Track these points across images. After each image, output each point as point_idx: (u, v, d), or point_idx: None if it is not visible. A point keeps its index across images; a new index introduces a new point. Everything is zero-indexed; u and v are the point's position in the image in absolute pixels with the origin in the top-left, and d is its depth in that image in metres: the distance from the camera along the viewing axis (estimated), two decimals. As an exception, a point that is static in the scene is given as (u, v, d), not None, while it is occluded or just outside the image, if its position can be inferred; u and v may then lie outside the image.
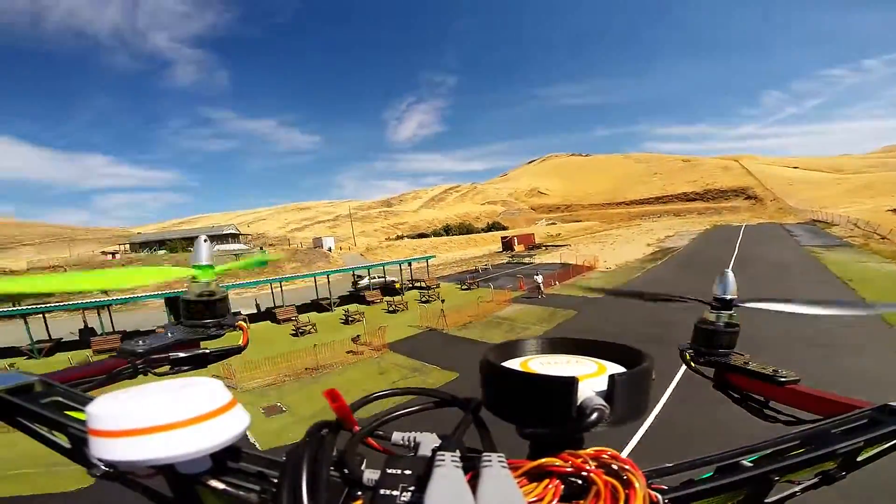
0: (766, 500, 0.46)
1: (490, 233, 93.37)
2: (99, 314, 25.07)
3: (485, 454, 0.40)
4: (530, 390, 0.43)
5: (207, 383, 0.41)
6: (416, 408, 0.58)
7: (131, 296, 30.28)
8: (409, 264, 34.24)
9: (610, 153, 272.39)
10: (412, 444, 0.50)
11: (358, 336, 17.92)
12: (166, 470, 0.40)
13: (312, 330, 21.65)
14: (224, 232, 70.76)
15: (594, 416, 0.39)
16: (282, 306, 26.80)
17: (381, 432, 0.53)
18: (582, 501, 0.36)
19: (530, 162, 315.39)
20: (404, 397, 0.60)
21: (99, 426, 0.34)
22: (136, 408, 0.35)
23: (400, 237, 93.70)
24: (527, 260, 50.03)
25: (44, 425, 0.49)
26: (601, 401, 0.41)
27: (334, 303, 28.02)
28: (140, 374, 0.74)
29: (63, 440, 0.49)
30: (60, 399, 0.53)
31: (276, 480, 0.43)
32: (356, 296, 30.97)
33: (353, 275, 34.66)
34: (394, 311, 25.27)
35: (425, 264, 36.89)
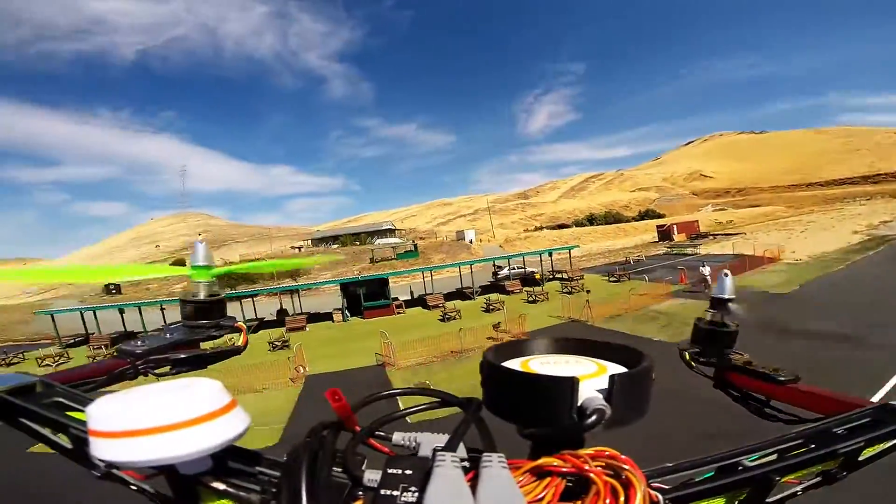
0: (767, 500, 0.45)
1: (643, 221, 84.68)
2: (291, 297, 30.81)
3: (485, 454, 0.40)
4: (530, 390, 0.43)
5: (208, 384, 0.40)
6: (417, 408, 0.58)
7: (314, 281, 36.12)
8: (550, 255, 33.08)
9: (790, 129, 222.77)
10: (413, 444, 0.50)
11: (499, 323, 18.30)
12: (167, 470, 0.40)
13: (457, 316, 22.86)
14: (383, 227, 80.00)
15: (594, 416, 0.39)
16: (431, 294, 28.98)
17: (381, 432, 0.53)
18: (582, 501, 0.36)
19: (688, 143, 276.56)
20: (404, 397, 0.60)
21: (99, 427, 0.35)
22: (136, 408, 0.35)
23: (538, 228, 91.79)
24: (689, 250, 44.07)
25: (45, 426, 0.49)
26: (602, 401, 0.41)
27: (476, 292, 29.12)
28: (140, 374, 0.75)
29: (64, 441, 0.49)
30: (61, 400, 0.53)
31: (276, 481, 0.44)
32: (497, 285, 31.55)
33: (494, 265, 35.31)
34: (533, 301, 25.02)
35: (567, 255, 35.39)
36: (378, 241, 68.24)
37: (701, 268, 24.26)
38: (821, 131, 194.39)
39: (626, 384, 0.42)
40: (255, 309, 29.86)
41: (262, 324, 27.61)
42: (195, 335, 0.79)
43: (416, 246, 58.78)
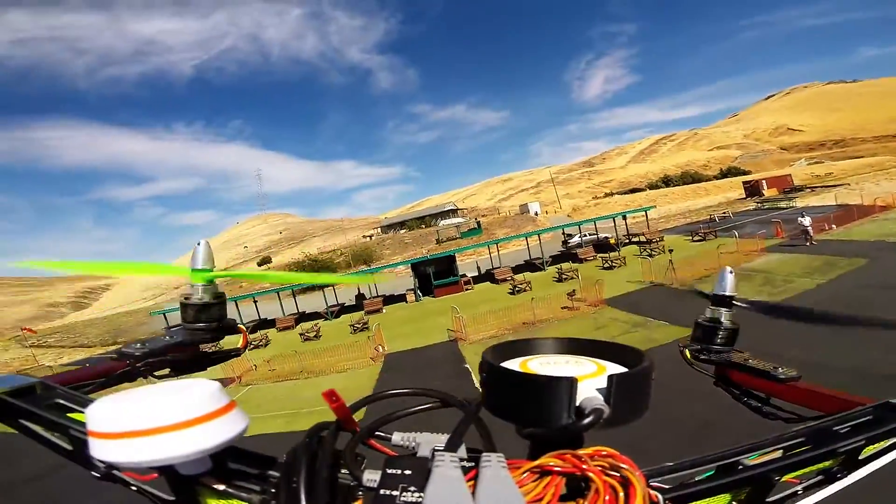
0: (767, 500, 0.45)
1: (725, 180, 76.62)
2: (368, 284, 32.17)
3: (485, 454, 0.40)
4: (529, 390, 0.43)
5: (207, 385, 0.40)
6: (416, 408, 0.58)
7: (388, 264, 37.33)
8: (624, 218, 31.24)
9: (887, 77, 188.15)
10: (412, 444, 0.50)
11: (573, 291, 17.50)
12: (167, 471, 0.40)
13: (527, 288, 22.39)
14: (446, 209, 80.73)
15: (593, 416, 0.39)
16: (499, 267, 28.64)
17: (381, 433, 0.53)
18: (582, 501, 0.35)
19: (768, 97, 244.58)
20: (405, 398, 0.60)
21: (99, 428, 0.35)
22: (136, 409, 0.35)
23: (609, 194, 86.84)
24: (784, 204, 39.62)
25: (45, 427, 0.49)
26: (600, 401, 0.41)
27: (546, 262, 28.41)
28: (140, 376, 0.75)
29: (64, 442, 0.49)
30: (61, 401, 0.53)
31: (276, 481, 0.43)
32: (568, 254, 30.67)
33: (563, 233, 34.19)
34: (609, 268, 23.86)
35: (644, 217, 33.05)
36: (442, 222, 69.10)
37: (800, 218, 21.53)
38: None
39: (624, 384, 0.43)
40: (335, 295, 31.63)
41: (342, 308, 29.21)
42: (195, 337, 0.79)
43: (479, 223, 58.99)
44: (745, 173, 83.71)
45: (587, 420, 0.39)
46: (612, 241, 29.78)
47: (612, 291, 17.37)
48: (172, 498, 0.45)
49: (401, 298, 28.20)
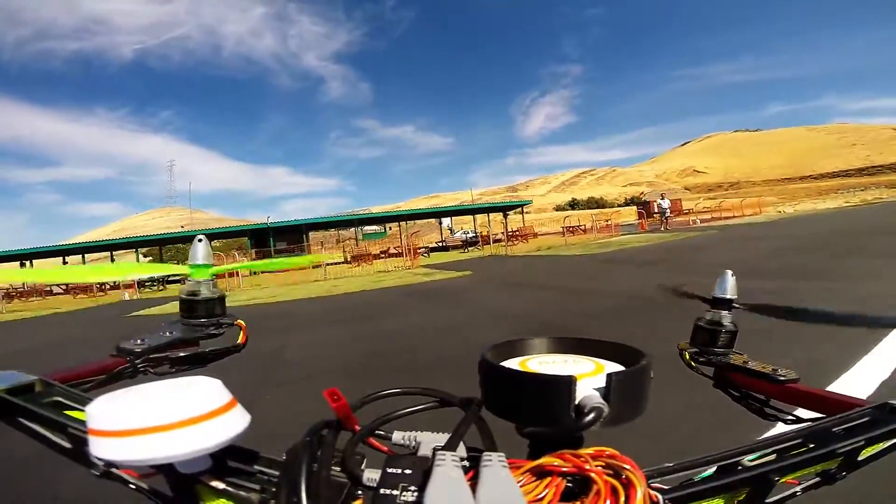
0: (767, 500, 0.45)
1: (626, 207, 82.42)
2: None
3: (485, 454, 0.40)
4: (529, 389, 0.43)
5: (207, 383, 0.39)
6: (417, 407, 0.57)
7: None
8: (505, 216, 34.24)
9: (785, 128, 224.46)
10: (413, 443, 0.49)
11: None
12: (166, 469, 0.39)
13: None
14: (363, 216, 78.72)
15: (592, 414, 0.39)
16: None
17: (381, 432, 0.52)
18: (582, 501, 0.35)
19: (684, 144, 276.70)
20: (405, 397, 0.59)
21: (99, 426, 0.34)
22: (135, 407, 0.34)
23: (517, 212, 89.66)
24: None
25: (44, 425, 0.48)
26: (599, 399, 0.40)
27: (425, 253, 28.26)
28: (140, 373, 0.72)
29: (63, 440, 0.47)
30: (60, 399, 0.51)
31: (276, 480, 0.43)
32: (442, 247, 34.12)
33: (450, 231, 39.52)
34: (465, 252, 25.22)
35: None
36: (364, 228, 69.15)
37: (659, 200, 22.05)
38: (814, 128, 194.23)
39: (623, 382, 0.42)
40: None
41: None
42: (195, 333, 0.79)
43: (385, 229, 59.46)
44: (646, 203, 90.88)
45: (587, 419, 0.39)
46: (484, 234, 31.75)
47: (448, 258, 20.77)
48: (172, 496, 0.44)
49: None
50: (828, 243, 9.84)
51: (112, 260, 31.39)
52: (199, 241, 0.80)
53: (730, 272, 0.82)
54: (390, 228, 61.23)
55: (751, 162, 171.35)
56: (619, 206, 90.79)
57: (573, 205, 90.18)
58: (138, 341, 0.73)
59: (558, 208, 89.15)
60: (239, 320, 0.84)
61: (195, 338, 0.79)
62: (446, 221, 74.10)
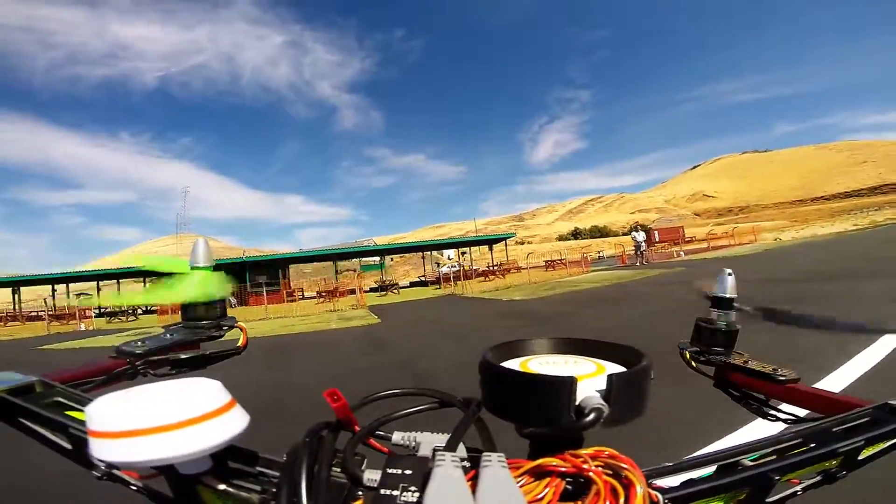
0: (767, 500, 0.45)
1: (627, 236, 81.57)
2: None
3: (485, 454, 0.40)
4: (530, 390, 0.43)
5: (207, 384, 0.40)
6: (417, 408, 0.57)
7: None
8: (490, 248, 35.56)
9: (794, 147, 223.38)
10: (413, 444, 0.50)
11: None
12: (166, 470, 0.40)
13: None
14: (363, 248, 79.07)
15: (592, 415, 0.39)
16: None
17: (381, 432, 0.52)
18: (582, 501, 0.35)
19: (694, 167, 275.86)
20: (404, 398, 0.60)
21: (99, 427, 0.34)
22: (136, 408, 0.34)
23: (519, 243, 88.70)
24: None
25: (44, 426, 0.48)
26: (600, 400, 0.40)
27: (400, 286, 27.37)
28: (140, 375, 0.72)
29: (64, 441, 0.47)
30: (61, 399, 0.51)
31: (276, 480, 0.43)
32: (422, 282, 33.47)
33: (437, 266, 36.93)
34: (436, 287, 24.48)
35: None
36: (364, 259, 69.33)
37: (633, 233, 21.21)
38: (823, 146, 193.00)
39: (624, 383, 0.42)
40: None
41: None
42: (195, 335, 0.79)
43: (382, 262, 59.25)
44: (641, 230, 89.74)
45: (587, 419, 0.39)
46: (467, 268, 30.77)
47: (409, 298, 19.72)
48: (172, 497, 0.44)
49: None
50: (773, 293, 8.17)
51: (118, 289, 31.20)
52: (199, 242, 0.78)
53: (728, 271, 0.81)
54: (392, 260, 61.63)
55: (760, 184, 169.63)
56: (625, 233, 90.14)
57: (575, 234, 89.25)
58: (139, 343, 0.73)
59: (561, 238, 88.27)
60: (240, 323, 0.83)
61: (195, 340, 0.78)
62: (449, 252, 74.60)
